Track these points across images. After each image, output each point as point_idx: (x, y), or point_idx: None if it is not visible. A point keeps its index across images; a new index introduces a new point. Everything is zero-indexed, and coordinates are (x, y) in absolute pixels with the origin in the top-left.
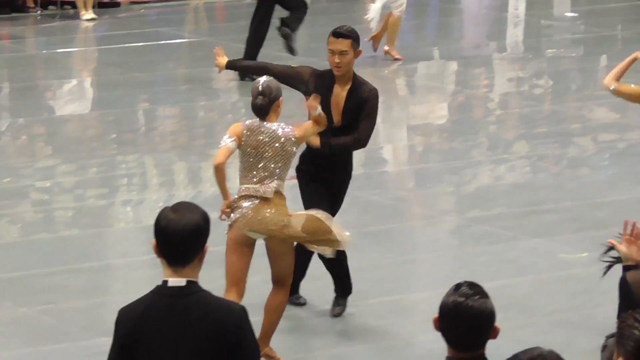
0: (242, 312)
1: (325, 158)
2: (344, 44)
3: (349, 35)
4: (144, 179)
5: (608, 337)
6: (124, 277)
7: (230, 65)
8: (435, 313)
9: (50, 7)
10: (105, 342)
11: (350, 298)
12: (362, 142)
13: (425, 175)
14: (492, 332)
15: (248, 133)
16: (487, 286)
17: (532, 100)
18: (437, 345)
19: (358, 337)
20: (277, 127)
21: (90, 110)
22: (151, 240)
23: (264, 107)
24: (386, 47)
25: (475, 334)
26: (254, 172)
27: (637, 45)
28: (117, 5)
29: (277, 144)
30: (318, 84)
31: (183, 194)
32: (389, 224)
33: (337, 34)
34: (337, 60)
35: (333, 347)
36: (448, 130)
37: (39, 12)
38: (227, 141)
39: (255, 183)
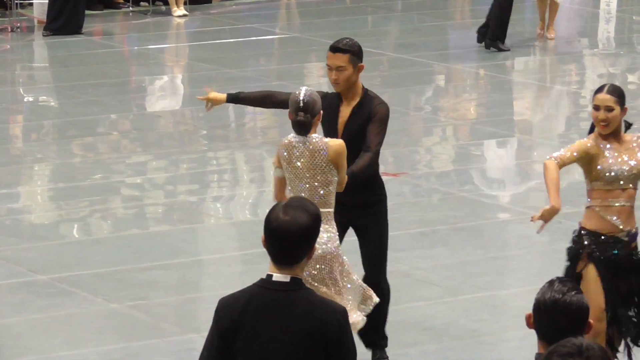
0: (344, 313)
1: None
2: (341, 59)
3: (347, 49)
4: (234, 174)
5: None
6: (215, 273)
7: (231, 98)
8: (525, 310)
9: (142, 3)
10: (196, 338)
11: (440, 294)
12: (374, 155)
13: (516, 172)
14: (587, 327)
15: (281, 150)
16: None
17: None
18: (527, 343)
19: (447, 334)
20: (313, 139)
21: (181, 106)
22: (242, 236)
23: (305, 123)
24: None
25: (572, 330)
26: (295, 190)
27: None
28: (209, 1)
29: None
30: (324, 105)
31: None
32: (479, 220)
33: (334, 48)
34: (334, 76)
35: (423, 345)
36: (539, 126)
37: (130, 8)
38: (276, 173)
39: None
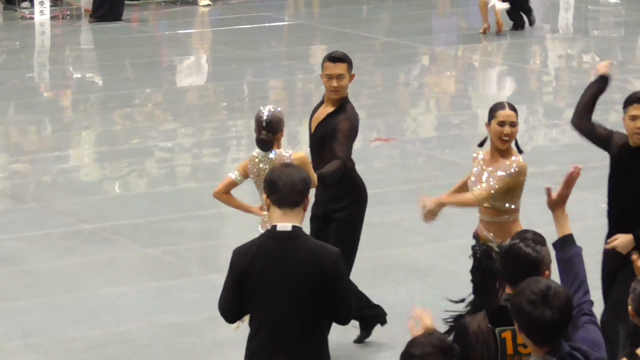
0: (339, 255)
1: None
2: (340, 68)
3: (345, 59)
4: (250, 140)
5: (639, 280)
6: (234, 223)
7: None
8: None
9: None
10: (218, 277)
11: (425, 241)
12: (342, 162)
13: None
14: (544, 276)
15: (250, 166)
16: (544, 231)
17: (580, 74)
18: None
19: (430, 275)
20: (275, 154)
21: (205, 82)
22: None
23: (266, 141)
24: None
25: (528, 275)
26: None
27: None
28: None
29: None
30: (314, 110)
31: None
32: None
33: (333, 58)
34: (334, 84)
35: (409, 283)
36: (509, 99)
37: None
38: (231, 174)
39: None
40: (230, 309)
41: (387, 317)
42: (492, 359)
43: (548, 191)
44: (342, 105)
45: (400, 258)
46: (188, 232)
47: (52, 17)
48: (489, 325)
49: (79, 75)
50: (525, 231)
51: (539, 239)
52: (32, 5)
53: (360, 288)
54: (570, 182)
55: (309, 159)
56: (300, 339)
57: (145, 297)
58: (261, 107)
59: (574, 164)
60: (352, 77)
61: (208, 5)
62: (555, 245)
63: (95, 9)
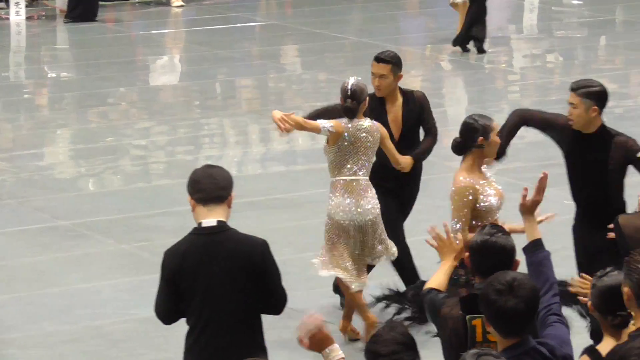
0: (265, 244)
1: (396, 174)
2: (384, 69)
3: (390, 60)
4: (223, 138)
5: (599, 276)
6: None
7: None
8: None
9: None
10: None
11: None
12: (436, 138)
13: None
14: (514, 264)
15: (344, 132)
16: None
17: (544, 73)
18: None
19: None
20: (369, 122)
21: (179, 81)
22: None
23: (351, 109)
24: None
25: (501, 266)
26: (348, 166)
27: (634, 26)
28: None
29: (370, 138)
30: (371, 106)
31: (255, 151)
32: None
33: (378, 59)
34: (376, 83)
35: (379, 278)
36: (475, 98)
37: None
38: (324, 123)
39: (350, 175)
40: (166, 311)
41: (356, 312)
42: (460, 344)
43: (524, 194)
44: (403, 91)
45: None
46: (162, 228)
47: (28, 18)
48: (460, 312)
49: (54, 75)
50: (487, 226)
51: (502, 230)
52: (8, 5)
53: (330, 284)
54: (541, 188)
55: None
56: (238, 331)
57: (119, 292)
58: (347, 78)
59: (539, 161)
60: (398, 77)
61: (182, 6)
62: (525, 249)
63: (71, 9)
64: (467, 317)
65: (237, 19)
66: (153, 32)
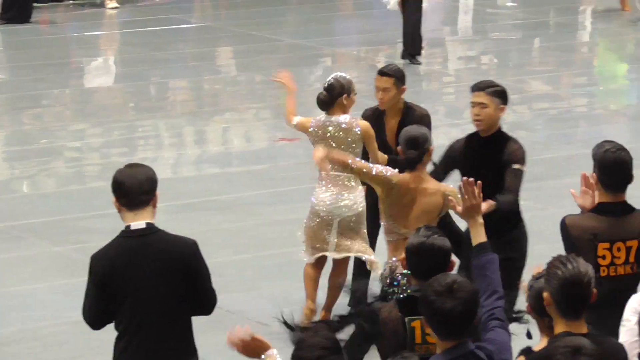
0: (195, 244)
1: None
2: (387, 82)
3: (393, 74)
4: (158, 140)
5: (535, 278)
6: None
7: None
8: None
9: None
10: None
11: None
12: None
13: None
14: (450, 265)
15: (314, 125)
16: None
17: (479, 75)
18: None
19: None
20: (344, 118)
21: (114, 82)
22: (163, 190)
23: (323, 101)
24: None
25: (438, 267)
26: None
27: (567, 28)
28: None
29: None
30: (371, 118)
31: (190, 153)
32: None
33: (381, 72)
34: (380, 96)
35: None
36: (411, 100)
37: (71, 1)
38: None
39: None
40: (95, 316)
41: (293, 314)
42: (400, 346)
43: (453, 204)
44: (407, 107)
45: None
46: (97, 230)
47: None
48: (399, 314)
49: None
50: (422, 228)
51: (438, 231)
52: None
53: (266, 285)
54: (468, 192)
55: (372, 132)
56: (169, 334)
57: (54, 294)
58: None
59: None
60: (402, 90)
61: (116, 7)
62: (470, 253)
63: (5, 11)
64: (406, 318)
65: (172, 20)
66: (87, 33)
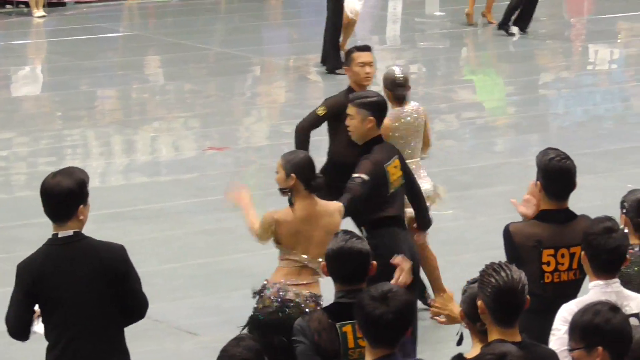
0: (124, 249)
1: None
2: (370, 56)
3: (370, 48)
4: (86, 149)
5: (469, 283)
6: None
7: None
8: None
9: (7, 6)
10: None
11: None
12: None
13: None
14: (370, 269)
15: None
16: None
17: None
18: (326, 287)
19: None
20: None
21: (41, 91)
22: (90, 199)
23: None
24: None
25: (359, 271)
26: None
27: (497, 37)
28: (64, 4)
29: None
30: (336, 110)
31: (118, 162)
32: None
33: (362, 47)
34: (367, 70)
35: (244, 289)
36: None
37: None
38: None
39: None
40: (21, 325)
41: (222, 324)
42: (336, 353)
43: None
44: None
45: (235, 264)
46: (23, 240)
47: None
48: (329, 320)
49: None
50: (340, 233)
51: (356, 235)
52: None
53: (195, 294)
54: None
55: None
56: (103, 339)
57: None
58: (391, 68)
59: None
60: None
61: (43, 16)
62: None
63: None
64: (337, 324)
65: (100, 29)
66: (14, 42)
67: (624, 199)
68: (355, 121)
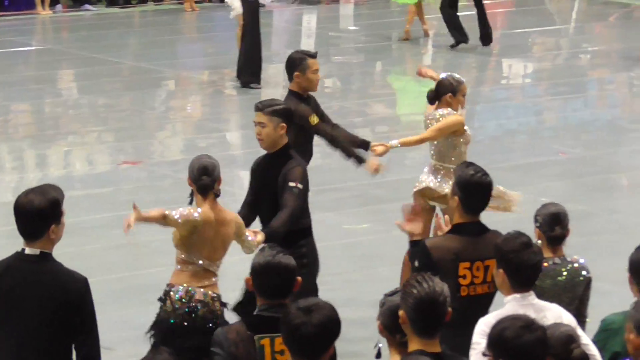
0: (85, 282)
1: None
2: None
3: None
4: (1, 162)
5: (386, 295)
6: None
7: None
8: (244, 275)
9: None
10: None
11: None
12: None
13: (232, 161)
14: (295, 284)
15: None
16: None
17: (323, 98)
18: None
19: None
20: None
21: None
22: (5, 215)
23: (430, 96)
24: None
25: (284, 286)
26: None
27: (410, 52)
28: None
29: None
30: (295, 107)
31: (32, 176)
32: None
33: (314, 55)
34: (319, 77)
35: None
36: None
37: None
38: None
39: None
40: None
41: (138, 338)
42: None
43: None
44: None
45: (150, 278)
46: None
47: None
48: (248, 332)
49: None
50: (266, 247)
51: (282, 250)
52: None
53: (109, 309)
54: None
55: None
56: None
57: None
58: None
59: (316, 186)
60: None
61: None
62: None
63: None
64: (256, 336)
65: (12, 43)
66: None
67: (537, 212)
68: (268, 129)
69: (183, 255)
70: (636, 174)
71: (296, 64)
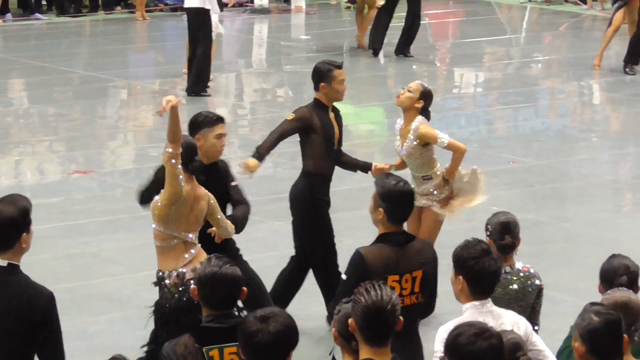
0: (51, 297)
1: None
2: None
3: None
4: None
5: (343, 302)
6: None
7: (259, 157)
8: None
9: None
10: None
11: (124, 271)
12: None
13: None
14: (242, 294)
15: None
16: None
17: (275, 107)
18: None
19: (131, 304)
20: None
21: None
22: None
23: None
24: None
25: (231, 296)
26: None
27: (362, 61)
28: None
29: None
30: (320, 117)
31: None
32: None
33: (341, 65)
34: (345, 87)
35: (110, 313)
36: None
37: None
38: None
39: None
40: None
41: (89, 349)
42: None
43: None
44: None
45: (100, 288)
46: None
47: None
48: (196, 345)
49: None
50: (213, 257)
51: (229, 260)
52: None
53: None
54: None
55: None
56: None
57: None
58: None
59: (269, 194)
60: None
61: None
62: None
63: None
64: (204, 348)
65: None
66: None
67: (488, 221)
68: (208, 144)
69: (161, 228)
70: (586, 183)
71: (323, 74)
